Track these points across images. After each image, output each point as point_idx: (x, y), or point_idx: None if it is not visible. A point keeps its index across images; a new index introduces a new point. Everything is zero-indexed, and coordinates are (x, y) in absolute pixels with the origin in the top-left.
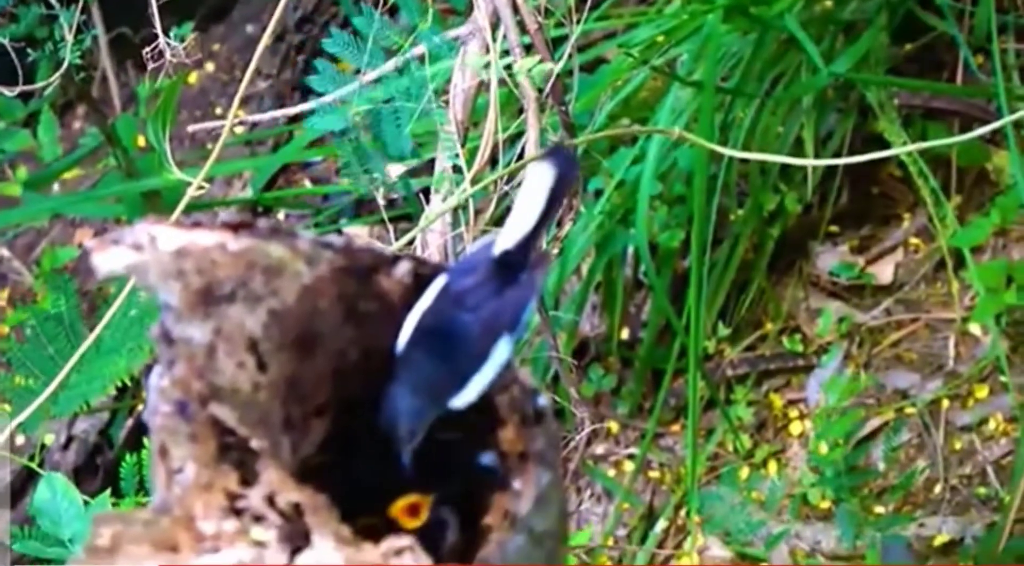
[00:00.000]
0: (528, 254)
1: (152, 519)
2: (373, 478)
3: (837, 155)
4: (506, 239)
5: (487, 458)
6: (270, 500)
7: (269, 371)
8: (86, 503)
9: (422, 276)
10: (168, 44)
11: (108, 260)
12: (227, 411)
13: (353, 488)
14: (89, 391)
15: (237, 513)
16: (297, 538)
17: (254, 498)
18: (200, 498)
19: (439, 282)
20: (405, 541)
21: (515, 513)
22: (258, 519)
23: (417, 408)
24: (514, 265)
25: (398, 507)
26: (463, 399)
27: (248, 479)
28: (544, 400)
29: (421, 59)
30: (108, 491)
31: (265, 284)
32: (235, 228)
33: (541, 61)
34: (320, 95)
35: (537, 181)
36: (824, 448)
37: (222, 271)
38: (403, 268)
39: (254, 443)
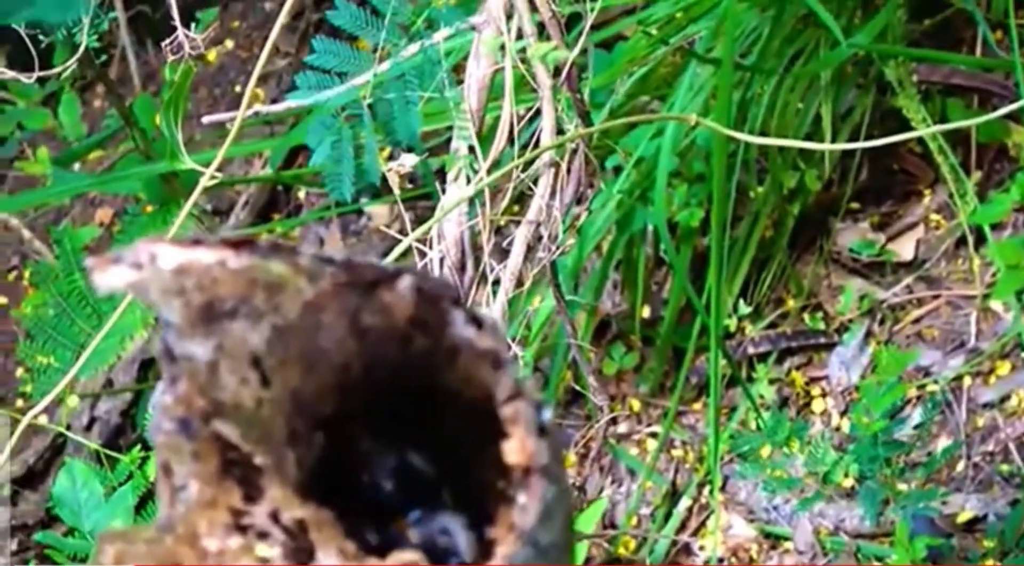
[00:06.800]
0: None
1: (156, 537)
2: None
3: (857, 130)
4: None
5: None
6: (274, 517)
7: (273, 386)
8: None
9: (424, 290)
10: (186, 35)
11: (108, 278)
12: (230, 427)
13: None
14: (107, 348)
15: (242, 530)
16: (302, 555)
17: (258, 515)
18: (204, 515)
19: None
20: (413, 555)
21: (521, 527)
22: (263, 536)
23: None
24: None
25: None
26: None
27: (252, 496)
28: (549, 413)
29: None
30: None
31: (267, 300)
32: (235, 246)
33: (555, 48)
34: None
35: None
36: (846, 424)
37: (223, 288)
38: (405, 283)
39: (258, 459)
